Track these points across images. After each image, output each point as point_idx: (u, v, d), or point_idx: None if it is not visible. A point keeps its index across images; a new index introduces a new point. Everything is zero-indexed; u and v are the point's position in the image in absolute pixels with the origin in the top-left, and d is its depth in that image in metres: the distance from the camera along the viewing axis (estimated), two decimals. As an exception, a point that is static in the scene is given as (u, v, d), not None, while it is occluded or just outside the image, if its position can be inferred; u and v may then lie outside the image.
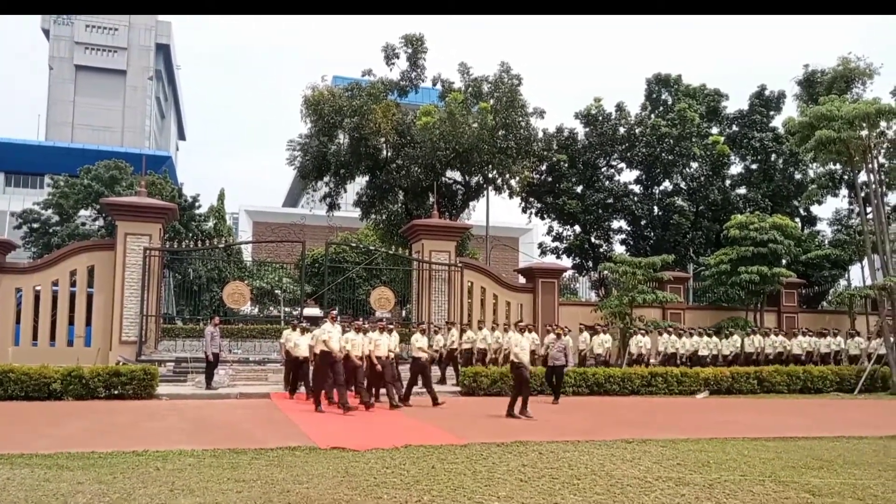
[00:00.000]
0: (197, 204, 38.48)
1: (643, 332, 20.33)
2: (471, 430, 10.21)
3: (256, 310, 36.72)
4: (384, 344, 13.61)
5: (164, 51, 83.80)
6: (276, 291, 36.35)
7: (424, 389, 14.14)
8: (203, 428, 10.36)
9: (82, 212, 36.26)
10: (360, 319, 14.87)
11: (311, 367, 13.83)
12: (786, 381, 18.23)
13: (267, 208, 61.54)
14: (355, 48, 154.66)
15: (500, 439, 9.18)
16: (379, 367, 13.28)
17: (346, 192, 29.81)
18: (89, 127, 73.08)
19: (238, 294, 19.87)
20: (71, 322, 18.46)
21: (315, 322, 16.59)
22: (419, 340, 14.35)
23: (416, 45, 27.26)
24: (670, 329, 20.84)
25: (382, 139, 26.21)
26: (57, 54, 74.91)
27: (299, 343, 14.16)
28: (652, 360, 19.87)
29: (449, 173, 28.50)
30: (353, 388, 13.17)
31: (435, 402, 13.66)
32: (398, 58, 27.44)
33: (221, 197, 45.34)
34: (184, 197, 37.07)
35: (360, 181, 29.62)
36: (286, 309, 35.76)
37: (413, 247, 22.38)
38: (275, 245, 45.11)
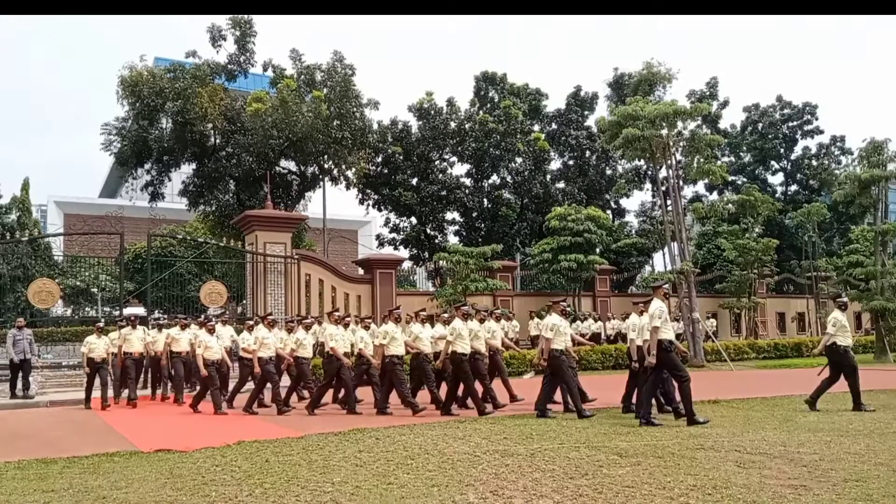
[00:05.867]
0: (-6, 194, 34.44)
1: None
2: (308, 423, 10.14)
3: (70, 310, 33.54)
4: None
5: (-52, 19, 73.40)
6: (93, 290, 33.42)
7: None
8: (6, 439, 9.39)
9: None
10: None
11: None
12: (601, 359, 20.02)
13: (80, 199, 55.98)
14: (179, 28, 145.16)
15: (338, 429, 9.22)
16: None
17: (170, 180, 28.17)
18: None
19: (46, 293, 18.18)
20: None
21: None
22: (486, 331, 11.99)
23: (244, 28, 26.29)
24: (509, 315, 22.06)
25: (210, 125, 25.04)
26: None
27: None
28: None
29: (283, 163, 27.83)
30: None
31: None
32: (225, 40, 26.32)
33: (26, 187, 40.59)
34: (-22, 186, 33.02)
35: (187, 169, 28.08)
36: (105, 308, 33.00)
37: (246, 239, 21.64)
38: (90, 239, 41.43)
